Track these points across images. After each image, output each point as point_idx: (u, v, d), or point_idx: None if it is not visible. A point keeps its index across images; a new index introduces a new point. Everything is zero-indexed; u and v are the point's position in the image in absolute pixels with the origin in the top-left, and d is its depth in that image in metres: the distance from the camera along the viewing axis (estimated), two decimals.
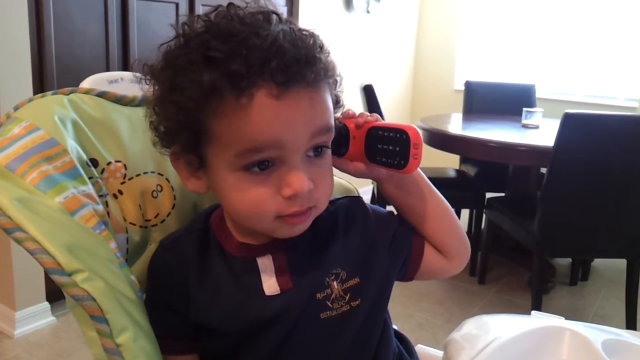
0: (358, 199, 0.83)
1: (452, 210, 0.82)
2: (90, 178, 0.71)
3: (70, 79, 2.17)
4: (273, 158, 0.63)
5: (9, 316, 2.18)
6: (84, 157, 0.73)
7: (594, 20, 4.04)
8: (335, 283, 0.72)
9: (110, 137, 0.77)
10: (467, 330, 0.85)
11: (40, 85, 2.13)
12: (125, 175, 0.78)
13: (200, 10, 2.70)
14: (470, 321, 0.87)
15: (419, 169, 0.74)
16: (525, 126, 2.98)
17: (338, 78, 0.69)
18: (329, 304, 0.71)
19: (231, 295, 0.71)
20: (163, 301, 0.73)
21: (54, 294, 2.28)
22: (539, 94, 3.68)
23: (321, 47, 0.65)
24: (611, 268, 3.13)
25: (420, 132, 0.69)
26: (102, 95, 0.79)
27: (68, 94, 0.76)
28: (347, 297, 0.72)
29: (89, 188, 0.70)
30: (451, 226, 0.81)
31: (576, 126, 2.15)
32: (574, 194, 2.24)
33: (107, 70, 2.32)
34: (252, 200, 0.64)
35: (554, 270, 2.93)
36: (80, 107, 0.76)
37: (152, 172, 0.81)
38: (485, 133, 2.77)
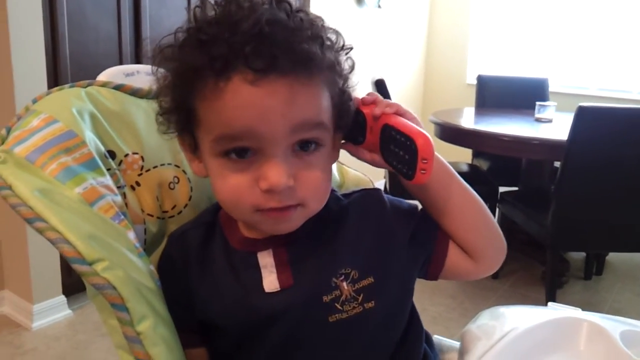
0: (376, 191, 0.77)
1: (484, 209, 0.74)
2: (108, 170, 0.72)
3: (83, 76, 2.14)
4: (252, 147, 0.61)
5: (26, 309, 2.21)
6: (102, 149, 0.73)
7: (607, 13, 4.00)
8: (345, 284, 0.68)
9: (127, 129, 0.78)
10: (483, 321, 0.84)
11: (55, 82, 2.14)
12: (142, 167, 0.78)
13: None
14: (486, 312, 0.87)
15: (444, 161, 0.71)
16: (538, 120, 2.96)
17: (344, 73, 0.67)
18: (338, 306, 0.68)
19: (230, 290, 0.69)
20: (171, 294, 0.72)
21: (71, 288, 2.30)
22: (552, 87, 3.65)
23: (320, 41, 0.62)
24: (626, 262, 3.10)
25: (432, 142, 0.63)
26: (118, 88, 0.80)
27: (85, 87, 0.77)
28: (359, 299, 0.68)
29: (107, 179, 0.70)
30: (477, 226, 0.74)
31: (590, 119, 2.13)
32: (588, 188, 2.23)
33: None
34: (231, 189, 0.62)
35: (568, 265, 2.91)
36: (98, 99, 0.77)
37: (169, 164, 0.81)
38: (498, 127, 2.75)
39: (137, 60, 2.44)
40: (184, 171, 0.83)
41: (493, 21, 4.48)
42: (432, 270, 0.75)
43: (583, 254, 3.01)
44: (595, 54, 4.09)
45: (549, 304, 0.89)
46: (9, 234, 2.22)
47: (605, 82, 4.05)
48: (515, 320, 0.80)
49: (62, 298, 2.29)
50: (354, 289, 0.68)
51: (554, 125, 2.87)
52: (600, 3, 4.02)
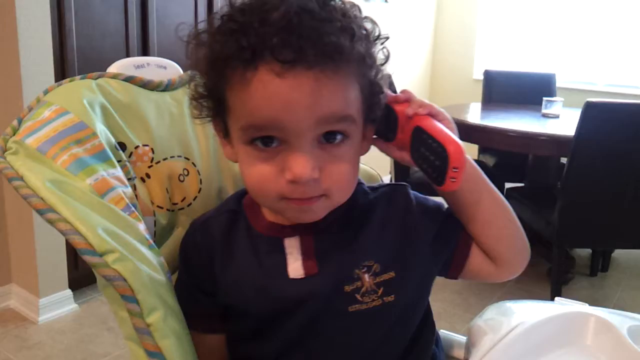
0: (404, 187, 0.76)
1: (512, 218, 0.73)
2: (119, 161, 0.72)
3: (91, 70, 2.14)
4: (278, 137, 0.61)
5: (33, 303, 2.22)
6: (113, 140, 0.74)
7: (614, 8, 3.97)
8: (366, 276, 0.68)
9: (137, 121, 0.78)
10: (490, 316, 0.84)
11: (62, 76, 2.15)
12: (152, 159, 0.79)
13: (218, 1, 2.71)
14: (493, 307, 0.87)
15: (476, 166, 0.70)
16: (545, 116, 2.95)
17: (376, 64, 0.65)
18: (358, 297, 0.68)
19: (254, 275, 0.70)
20: (192, 280, 0.73)
21: (77, 282, 2.32)
22: (559, 83, 3.64)
23: (353, 30, 0.61)
24: (632, 259, 3.10)
25: (464, 150, 0.61)
26: (129, 80, 0.80)
27: (96, 79, 0.77)
28: (379, 292, 0.69)
29: (118, 171, 0.71)
30: (503, 235, 0.73)
31: (597, 115, 2.12)
32: (594, 184, 2.22)
33: None
34: (257, 176, 0.63)
35: (573, 261, 2.91)
36: (108, 91, 0.77)
37: (178, 156, 0.82)
38: (505, 123, 2.74)
39: (144, 54, 2.44)
40: (193, 163, 0.83)
41: (500, 16, 4.46)
42: (453, 270, 0.75)
43: (588, 251, 3.01)
44: (602, 50, 4.07)
45: (556, 298, 0.88)
46: (15, 228, 2.23)
47: (612, 78, 4.03)
48: (522, 314, 0.79)
49: (69, 292, 2.30)
50: (374, 281, 0.69)
51: (561, 120, 2.86)
52: None
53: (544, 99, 3.00)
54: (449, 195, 0.73)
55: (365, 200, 0.73)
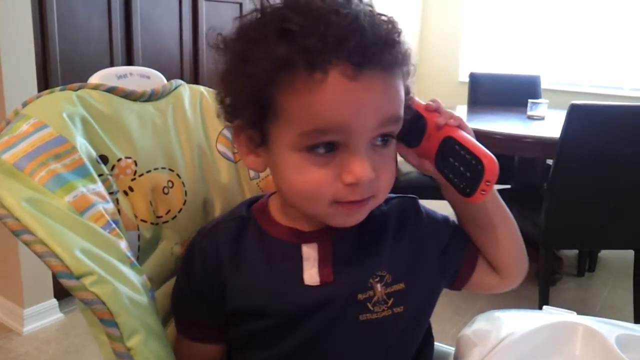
0: (413, 200, 0.78)
1: (517, 228, 0.77)
2: (100, 175, 0.71)
3: (74, 76, 2.14)
4: (338, 142, 0.60)
5: (17, 313, 2.19)
6: (94, 154, 0.72)
7: (598, 10, 4.01)
8: (379, 285, 0.69)
9: (120, 133, 0.77)
10: (478, 326, 0.83)
11: (45, 82, 2.12)
12: (135, 172, 0.77)
13: (204, 5, 2.69)
14: (482, 317, 0.86)
15: (494, 190, 0.70)
16: (530, 117, 2.96)
17: (412, 67, 0.67)
18: (369, 306, 0.69)
19: (268, 280, 0.69)
20: (195, 287, 0.72)
21: (62, 291, 2.27)
22: (544, 84, 3.65)
23: (399, 33, 0.63)
24: (619, 259, 3.12)
25: (498, 166, 0.63)
26: (111, 90, 0.78)
27: (76, 90, 0.75)
28: (389, 302, 0.69)
29: (99, 186, 0.69)
30: (511, 246, 0.76)
31: (582, 117, 2.13)
32: (580, 185, 2.23)
33: (111, 66, 2.30)
34: (311, 182, 0.62)
35: (560, 262, 2.92)
36: (89, 103, 0.75)
37: (162, 168, 0.80)
38: (490, 125, 2.75)
39: (129, 59, 2.42)
40: (178, 175, 0.82)
41: (485, 18, 4.48)
42: (458, 282, 0.78)
43: (576, 251, 3.02)
44: (586, 51, 4.10)
45: (544, 307, 0.88)
46: None
47: (597, 79, 4.07)
48: (511, 325, 0.79)
49: (54, 301, 2.27)
50: (386, 292, 0.69)
51: (546, 122, 2.87)
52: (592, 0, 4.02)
53: (529, 100, 3.02)
54: (466, 209, 0.75)
55: (379, 211, 0.73)
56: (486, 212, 0.73)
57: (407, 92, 0.67)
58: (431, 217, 0.76)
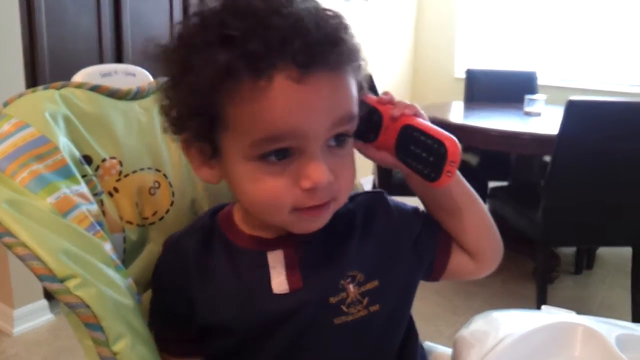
0: (380, 194, 0.77)
1: (485, 209, 0.76)
2: (84, 176, 0.69)
3: (63, 72, 2.12)
4: (292, 147, 0.58)
5: (7, 314, 2.16)
6: (77, 154, 0.70)
7: (596, 4, 3.99)
8: (351, 286, 0.67)
9: (104, 132, 0.74)
10: (476, 327, 0.82)
11: (33, 79, 2.09)
12: (120, 172, 0.75)
13: (194, 2, 2.67)
14: (479, 317, 0.85)
15: (458, 173, 0.69)
16: (527, 114, 2.94)
17: (363, 62, 0.64)
18: (344, 308, 0.67)
19: (236, 292, 0.67)
20: (166, 303, 0.70)
21: None
22: (541, 80, 3.64)
23: (346, 28, 0.60)
24: (616, 256, 3.10)
25: (460, 146, 0.63)
26: (95, 89, 0.76)
27: (59, 89, 0.73)
28: (364, 302, 0.67)
29: (82, 187, 0.67)
30: (481, 227, 0.75)
31: (580, 113, 2.11)
32: (578, 182, 2.22)
33: (101, 62, 2.28)
34: (268, 192, 0.60)
35: (558, 260, 2.91)
36: (73, 102, 0.73)
37: (148, 168, 0.78)
38: (486, 122, 2.74)
39: (118, 55, 2.38)
40: (164, 175, 0.80)
41: (481, 14, 4.47)
42: (435, 272, 0.76)
43: (573, 249, 3.01)
44: (583, 47, 4.08)
45: (543, 307, 0.87)
46: None
47: (594, 75, 4.05)
48: (509, 325, 0.78)
49: (44, 302, 2.24)
50: (359, 291, 0.68)
51: (543, 118, 2.86)
52: None
53: (526, 97, 3.00)
54: (431, 195, 0.74)
55: (345, 209, 0.70)
56: (452, 196, 0.72)
57: (360, 88, 0.65)
58: (400, 209, 0.75)
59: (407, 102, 0.69)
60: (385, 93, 0.70)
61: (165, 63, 0.62)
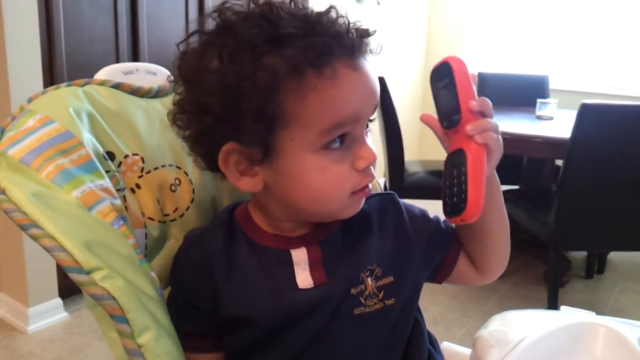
0: (391, 196, 0.78)
1: (508, 231, 0.77)
2: (107, 172, 0.69)
3: (80, 75, 2.08)
4: (348, 133, 0.63)
5: (22, 312, 2.17)
6: (101, 150, 0.70)
7: (608, 9, 3.98)
8: (369, 279, 0.70)
9: (126, 129, 0.75)
10: (494, 327, 0.82)
11: (51, 81, 2.10)
12: (142, 169, 0.75)
13: (210, 2, 2.67)
14: (497, 317, 0.85)
15: (498, 183, 0.71)
16: (539, 117, 2.94)
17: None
18: (362, 300, 0.69)
19: (262, 287, 0.68)
20: (187, 298, 0.70)
21: (67, 290, 2.27)
22: (552, 85, 3.63)
23: (362, 24, 0.67)
24: (627, 261, 3.08)
25: (481, 209, 0.62)
26: (117, 86, 0.77)
27: (82, 86, 0.74)
28: (380, 295, 0.70)
29: (106, 182, 0.67)
30: (503, 253, 0.78)
31: (593, 117, 2.11)
32: (591, 186, 2.21)
33: None
34: (333, 179, 0.63)
35: (569, 264, 2.90)
36: (96, 98, 0.74)
37: (170, 165, 0.78)
38: (499, 125, 2.72)
39: (134, 59, 2.40)
40: (185, 172, 0.80)
41: (493, 18, 4.46)
42: (440, 275, 0.79)
43: (584, 253, 2.99)
44: (596, 51, 4.06)
45: (562, 307, 0.87)
46: (4, 235, 2.18)
47: (606, 79, 4.03)
48: (528, 326, 0.78)
49: (58, 300, 2.26)
50: (376, 285, 0.70)
51: (555, 122, 2.84)
52: None
53: (538, 100, 2.99)
54: None
55: (361, 211, 0.72)
56: (482, 220, 0.67)
57: None
58: (411, 212, 0.77)
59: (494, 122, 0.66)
60: (482, 100, 0.65)
61: (198, 83, 0.62)
